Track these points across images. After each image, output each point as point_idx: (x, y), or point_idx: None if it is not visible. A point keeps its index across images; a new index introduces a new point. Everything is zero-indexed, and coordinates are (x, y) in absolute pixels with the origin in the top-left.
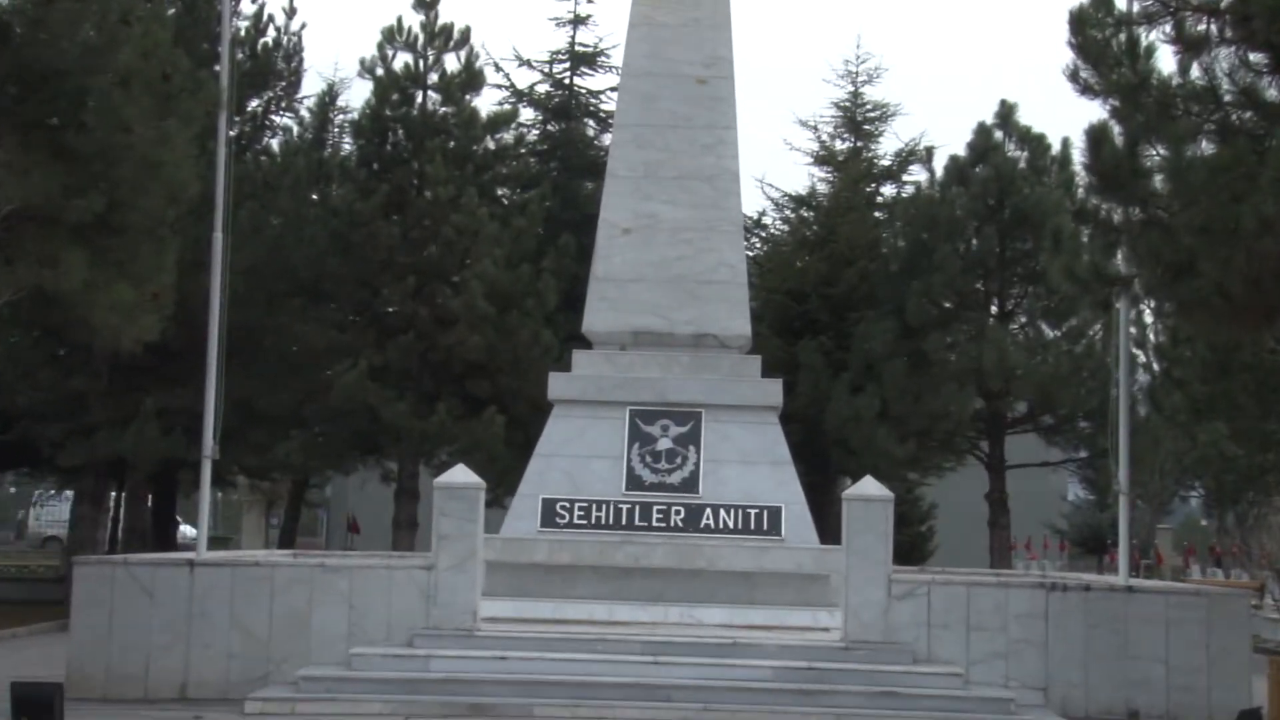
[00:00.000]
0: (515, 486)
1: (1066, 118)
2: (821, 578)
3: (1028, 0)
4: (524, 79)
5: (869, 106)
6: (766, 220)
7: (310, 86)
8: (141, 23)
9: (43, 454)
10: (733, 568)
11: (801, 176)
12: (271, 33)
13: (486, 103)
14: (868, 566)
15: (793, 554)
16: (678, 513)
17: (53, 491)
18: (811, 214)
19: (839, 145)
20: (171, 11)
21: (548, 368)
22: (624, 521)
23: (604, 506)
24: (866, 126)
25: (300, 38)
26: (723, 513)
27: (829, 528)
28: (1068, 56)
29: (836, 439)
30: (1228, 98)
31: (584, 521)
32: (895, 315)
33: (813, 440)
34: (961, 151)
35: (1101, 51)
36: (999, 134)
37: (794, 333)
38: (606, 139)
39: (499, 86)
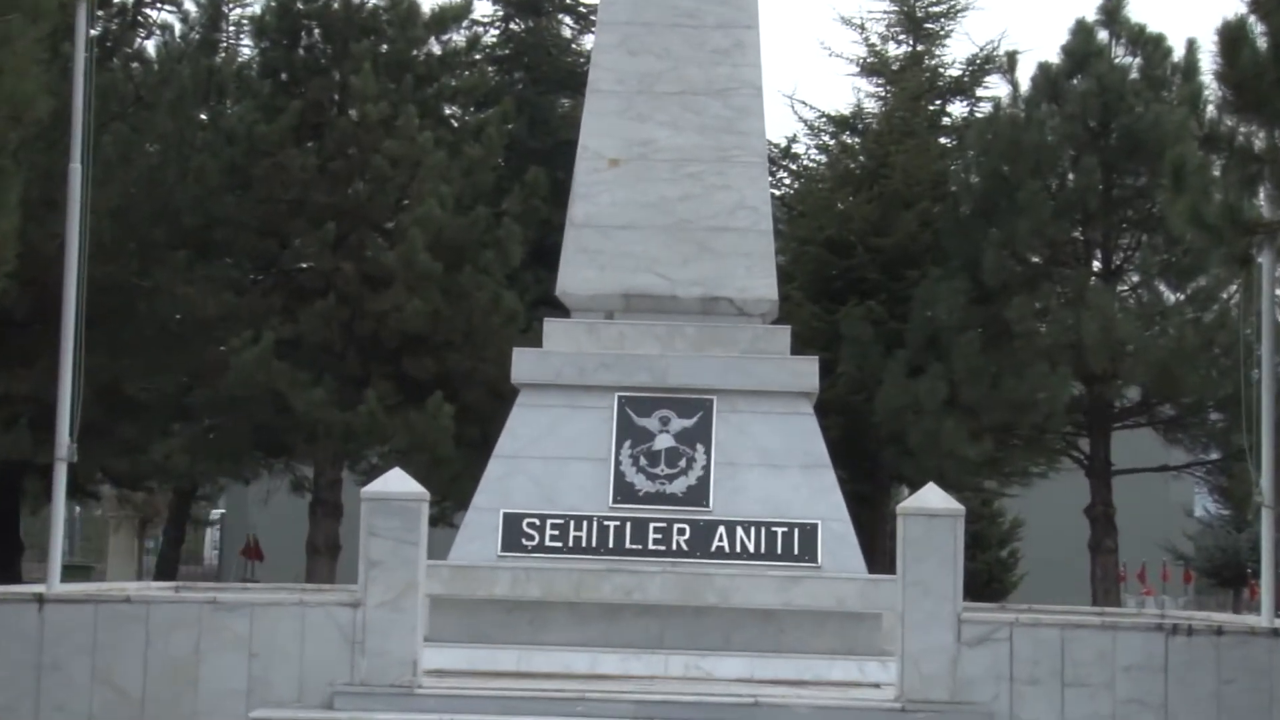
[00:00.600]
0: (468, 498)
1: (1192, 13)
2: (870, 618)
3: None
4: None
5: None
6: (798, 149)
7: None
8: None
9: None
10: (753, 604)
11: (844, 91)
12: None
13: None
14: (931, 602)
15: (832, 586)
16: (681, 532)
17: None
18: (857, 141)
19: (893, 50)
20: None
21: (511, 342)
22: (611, 544)
23: (585, 524)
24: (929, 25)
25: None
26: (740, 532)
27: (879, 552)
28: None
29: (890, 435)
30: None
31: (558, 544)
32: (967, 273)
33: (858, 437)
34: (1054, 58)
35: None
36: (1103, 34)
37: (834, 296)
38: (588, 42)
39: None
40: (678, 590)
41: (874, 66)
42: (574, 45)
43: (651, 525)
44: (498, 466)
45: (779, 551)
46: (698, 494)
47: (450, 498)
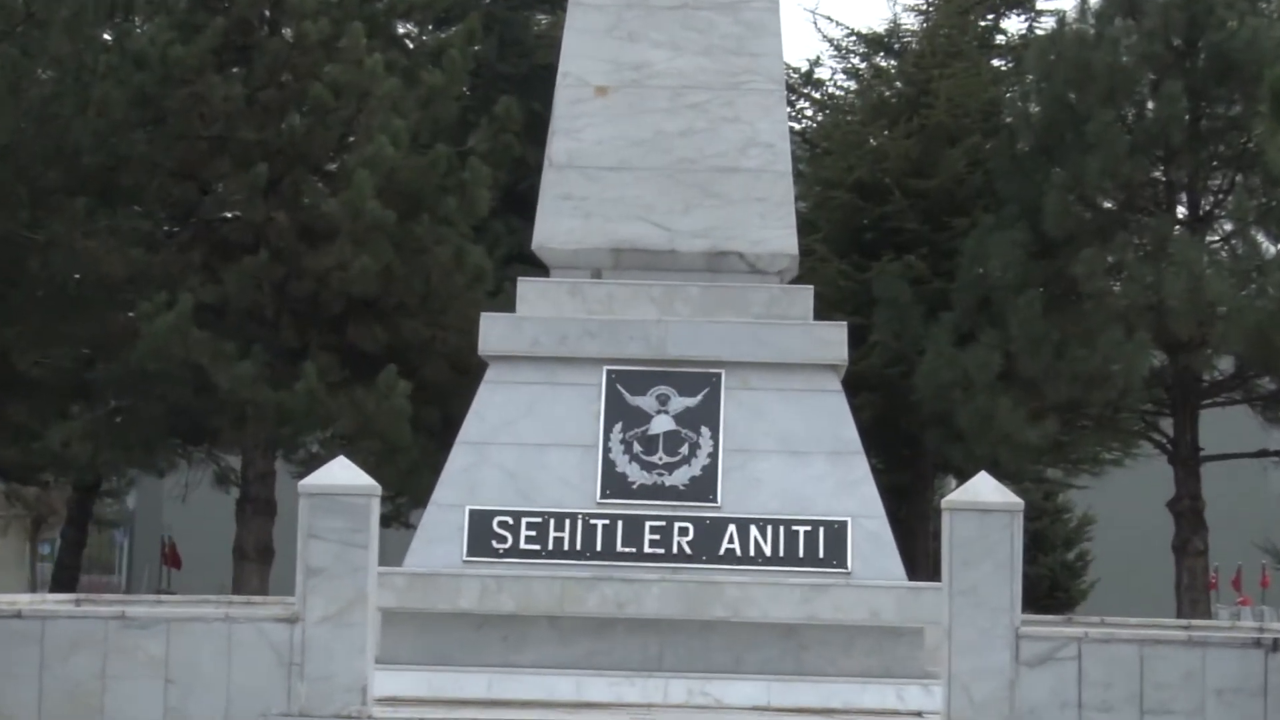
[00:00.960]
0: (428, 493)
1: None
2: (910, 633)
3: None
4: None
5: None
6: (822, 74)
7: None
8: None
9: None
10: (769, 617)
11: (877, 5)
12: None
13: None
14: (983, 615)
15: (865, 595)
16: (683, 532)
17: None
18: (893, 64)
19: None
20: None
21: (478, 306)
22: (599, 546)
23: (568, 523)
24: None
25: None
26: (754, 532)
27: (921, 555)
28: None
29: (933, 416)
30: None
31: (536, 547)
32: (1026, 221)
33: (896, 418)
34: None
35: None
36: None
37: (866, 250)
38: None
39: None
40: (680, 601)
41: None
42: None
43: (648, 524)
44: (463, 455)
45: (801, 555)
46: (703, 487)
47: (406, 492)
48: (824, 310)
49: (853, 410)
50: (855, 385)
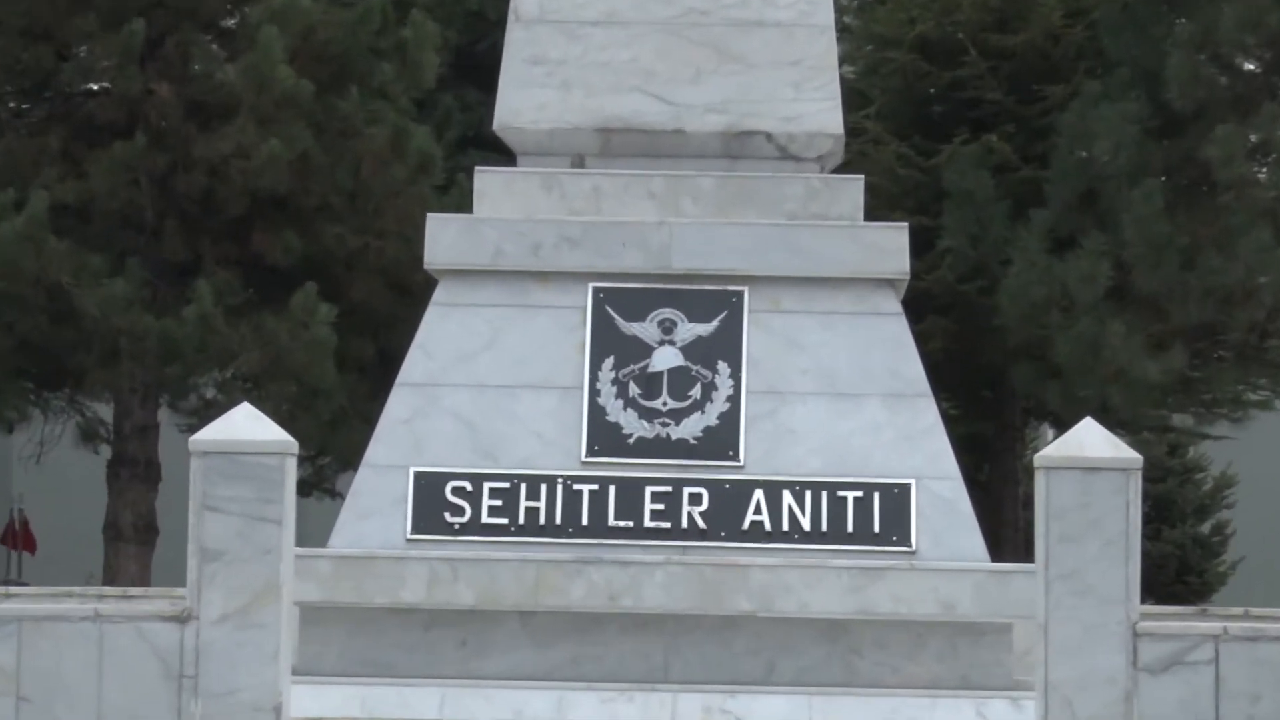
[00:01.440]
0: (359, 451)
1: None
2: (993, 630)
3: None
4: None
5: None
6: None
7: None
8: None
9: None
10: (810, 612)
11: None
12: None
13: None
14: (1089, 606)
15: (935, 582)
16: (695, 500)
17: None
18: None
19: None
20: None
21: (423, 205)
22: (586, 520)
23: (544, 490)
24: None
25: None
26: (788, 499)
27: (1006, 526)
28: None
29: (1022, 345)
30: None
31: (502, 520)
32: (1143, 90)
33: (973, 348)
34: None
35: None
36: None
37: (932, 129)
38: None
39: None
40: (691, 591)
41: None
42: None
43: (649, 490)
44: (405, 401)
45: (850, 529)
46: (721, 441)
47: (330, 450)
48: (879, 208)
49: (917, 339)
50: (921, 306)
